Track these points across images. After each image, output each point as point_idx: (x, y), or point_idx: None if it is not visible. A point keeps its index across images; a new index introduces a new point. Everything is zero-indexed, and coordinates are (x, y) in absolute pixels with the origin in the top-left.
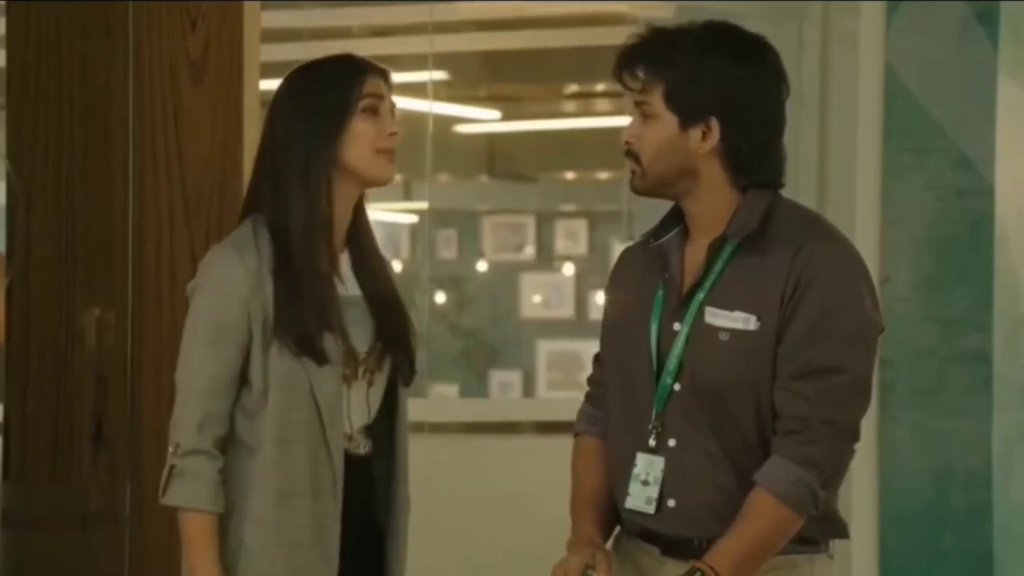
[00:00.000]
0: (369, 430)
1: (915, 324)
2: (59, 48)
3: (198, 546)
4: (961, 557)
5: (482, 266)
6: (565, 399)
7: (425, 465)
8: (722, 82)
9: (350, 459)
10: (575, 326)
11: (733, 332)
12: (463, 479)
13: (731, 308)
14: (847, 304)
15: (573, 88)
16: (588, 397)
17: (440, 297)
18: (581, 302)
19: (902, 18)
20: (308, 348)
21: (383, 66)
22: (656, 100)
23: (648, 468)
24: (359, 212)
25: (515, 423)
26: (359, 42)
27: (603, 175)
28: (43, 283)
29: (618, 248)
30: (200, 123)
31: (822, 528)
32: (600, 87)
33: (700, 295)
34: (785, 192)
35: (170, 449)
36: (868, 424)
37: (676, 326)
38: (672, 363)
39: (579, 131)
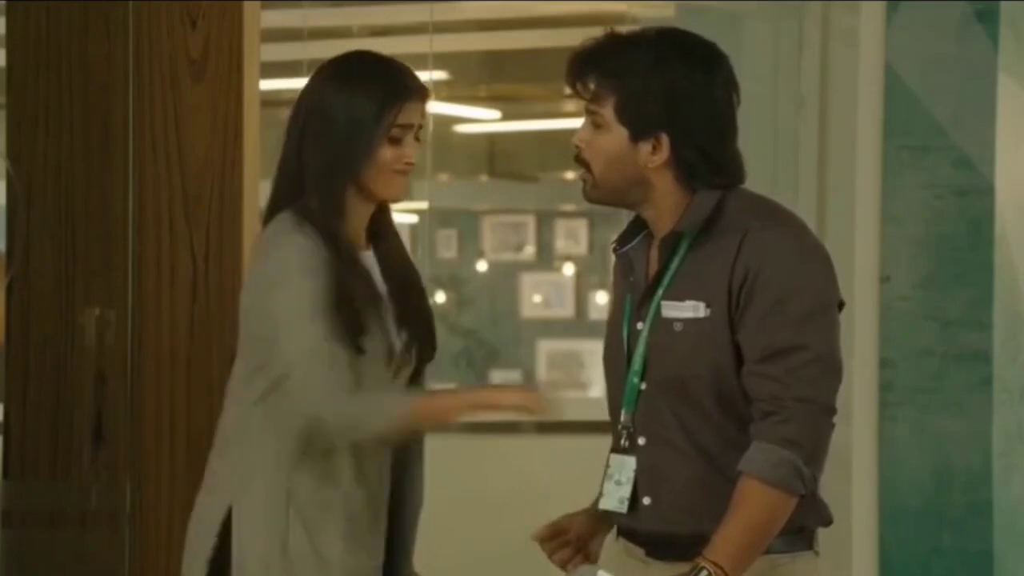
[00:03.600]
0: None
1: (915, 323)
2: (59, 47)
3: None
4: (961, 555)
5: (482, 266)
6: (566, 399)
7: (426, 464)
8: (673, 97)
9: None
10: (575, 326)
11: (685, 321)
12: (464, 478)
13: (683, 299)
14: (800, 284)
15: None
16: None
17: (440, 297)
18: (581, 302)
19: (902, 16)
20: (358, 346)
21: (425, 87)
22: (607, 111)
23: (620, 468)
24: (382, 210)
25: (516, 423)
26: (359, 41)
27: None
28: (43, 282)
29: None
30: (200, 122)
31: (802, 513)
32: None
33: (659, 291)
34: (785, 191)
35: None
36: (867, 422)
37: (639, 325)
38: (637, 362)
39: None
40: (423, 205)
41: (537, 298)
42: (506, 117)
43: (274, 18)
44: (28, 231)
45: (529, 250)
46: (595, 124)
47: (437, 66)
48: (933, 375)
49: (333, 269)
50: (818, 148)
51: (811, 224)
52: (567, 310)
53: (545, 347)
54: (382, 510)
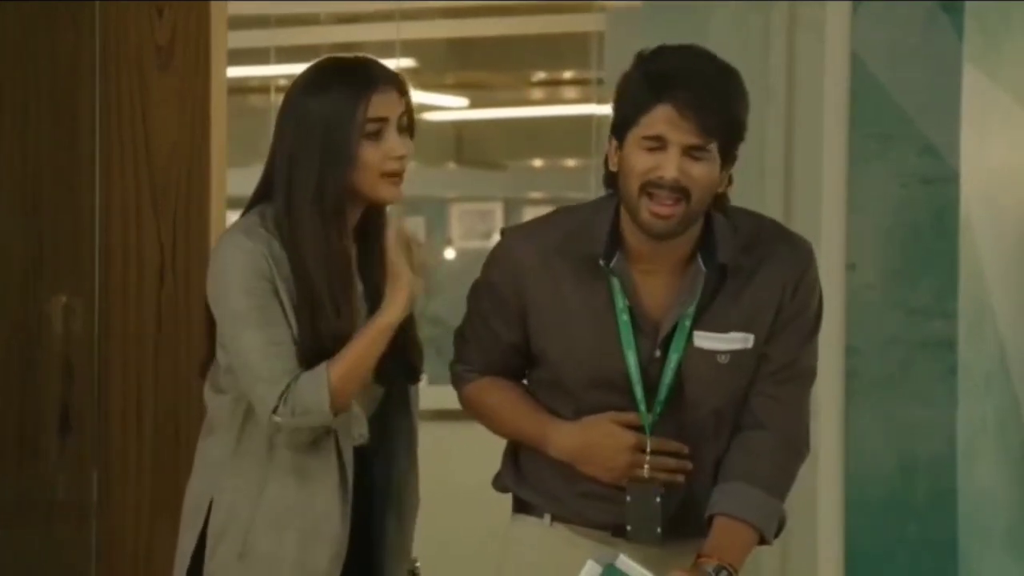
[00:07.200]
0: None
1: (880, 311)
2: (27, 35)
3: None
4: (925, 545)
5: (450, 253)
6: None
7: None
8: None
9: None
10: None
11: (733, 353)
12: (432, 466)
13: (727, 330)
14: (818, 305)
15: (540, 75)
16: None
17: None
18: None
19: (868, 7)
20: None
21: (396, 74)
22: (714, 146)
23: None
24: (377, 211)
25: None
26: (326, 29)
27: (571, 162)
28: (9, 270)
29: None
30: (167, 110)
31: None
32: (567, 74)
33: (686, 323)
34: (751, 180)
35: (277, 417)
36: (834, 412)
37: (657, 354)
38: (663, 392)
39: (546, 118)
40: None
41: None
42: (473, 105)
43: (241, 5)
44: None
45: (497, 238)
46: (695, 158)
47: (404, 54)
48: (898, 364)
49: (283, 272)
50: (785, 137)
51: (778, 212)
52: None
53: None
54: (340, 508)
